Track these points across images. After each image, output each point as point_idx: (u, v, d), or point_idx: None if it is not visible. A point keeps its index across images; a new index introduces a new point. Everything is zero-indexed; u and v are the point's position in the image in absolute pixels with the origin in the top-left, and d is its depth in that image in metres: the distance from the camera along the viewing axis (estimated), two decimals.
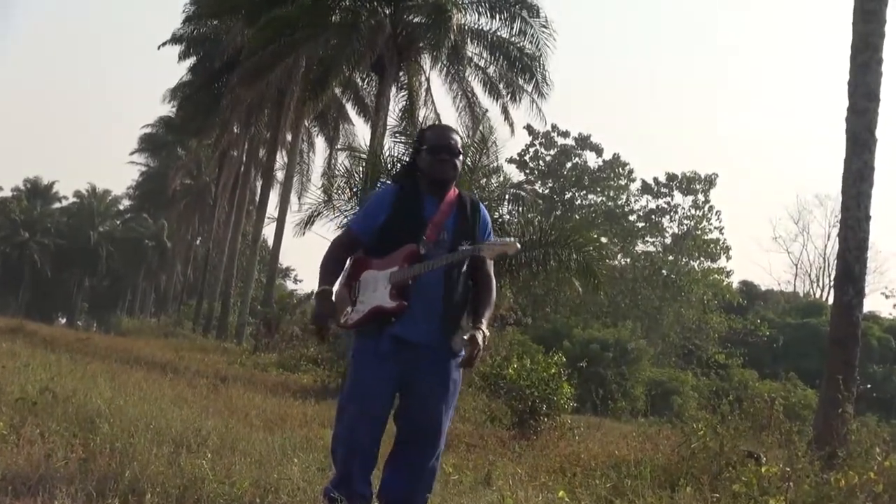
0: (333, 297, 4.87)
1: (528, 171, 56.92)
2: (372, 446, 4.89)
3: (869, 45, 13.03)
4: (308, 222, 20.04)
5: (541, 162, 57.36)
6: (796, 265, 73.56)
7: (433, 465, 4.98)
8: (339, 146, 38.35)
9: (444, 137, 4.99)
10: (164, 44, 42.45)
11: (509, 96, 28.35)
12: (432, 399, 4.87)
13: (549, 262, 18.08)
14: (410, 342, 4.78)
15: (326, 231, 22.45)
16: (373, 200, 5.07)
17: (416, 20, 26.92)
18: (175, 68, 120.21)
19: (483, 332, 4.77)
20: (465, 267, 4.86)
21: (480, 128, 21.55)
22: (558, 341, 32.27)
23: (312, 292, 33.80)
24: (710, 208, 54.73)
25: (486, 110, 28.86)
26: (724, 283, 52.68)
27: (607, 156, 57.60)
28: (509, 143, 76.95)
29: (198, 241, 72.92)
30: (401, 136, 19.00)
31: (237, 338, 37.13)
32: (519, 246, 4.70)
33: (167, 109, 59.74)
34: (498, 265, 17.71)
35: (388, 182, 5.22)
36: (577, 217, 52.57)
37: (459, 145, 4.95)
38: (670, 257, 53.54)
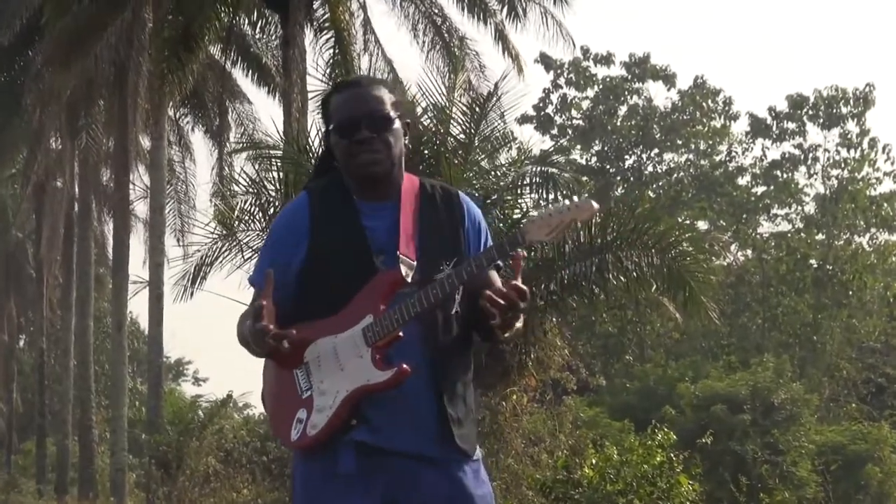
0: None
1: (555, 133, 57.00)
2: None
3: None
4: (196, 276, 19.91)
5: (574, 112, 57.42)
6: None
7: None
8: (232, 143, 38.32)
9: (355, 101, 4.71)
10: None
11: (506, 11, 28.38)
12: None
13: (610, 276, 18.03)
14: (388, 451, 4.59)
15: (232, 285, 22.17)
16: (275, 232, 4.88)
17: None
18: None
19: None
20: (458, 298, 4.69)
21: (464, 74, 21.54)
22: (656, 408, 32.20)
23: (229, 396, 33.64)
24: (873, 142, 54.48)
25: (467, 37, 28.96)
26: None
27: (684, 83, 57.69)
28: (518, 90, 77.10)
29: (21, 343, 72.71)
30: None
31: (115, 494, 37.07)
32: (596, 206, 4.39)
33: None
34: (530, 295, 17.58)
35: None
36: (650, 194, 52.66)
37: (388, 106, 4.67)
38: (819, 235, 53.46)
